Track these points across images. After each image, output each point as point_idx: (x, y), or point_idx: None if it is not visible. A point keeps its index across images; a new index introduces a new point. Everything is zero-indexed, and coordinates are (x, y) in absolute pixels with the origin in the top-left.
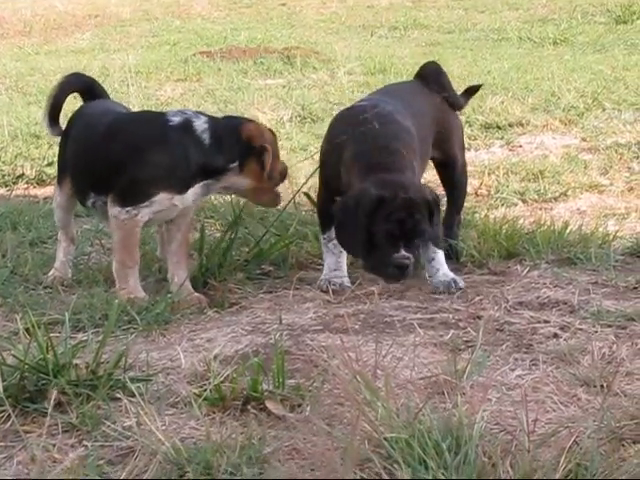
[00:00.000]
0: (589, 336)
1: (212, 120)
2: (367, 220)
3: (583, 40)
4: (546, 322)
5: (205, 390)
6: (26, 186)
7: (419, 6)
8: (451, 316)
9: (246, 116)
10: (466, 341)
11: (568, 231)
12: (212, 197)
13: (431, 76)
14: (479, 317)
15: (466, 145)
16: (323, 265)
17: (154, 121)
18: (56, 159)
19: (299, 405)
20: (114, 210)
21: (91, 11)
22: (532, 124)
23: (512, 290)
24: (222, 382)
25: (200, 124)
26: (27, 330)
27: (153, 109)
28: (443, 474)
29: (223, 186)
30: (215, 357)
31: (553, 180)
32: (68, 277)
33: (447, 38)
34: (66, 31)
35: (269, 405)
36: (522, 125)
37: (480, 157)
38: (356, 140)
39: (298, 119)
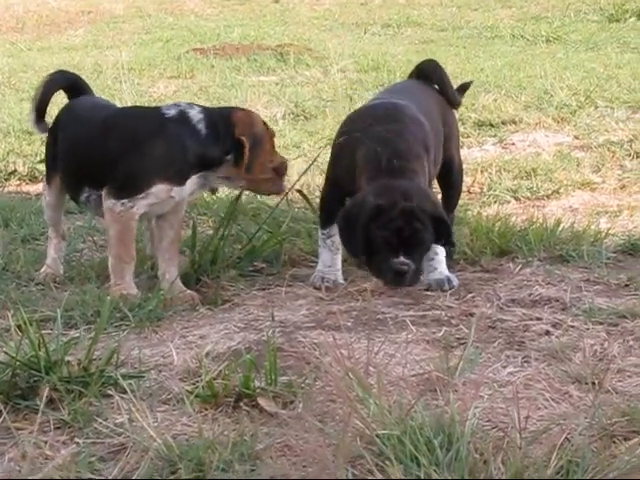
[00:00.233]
0: (581, 333)
1: (206, 110)
2: (365, 228)
3: (576, 38)
4: (538, 319)
5: (197, 387)
6: (18, 182)
7: (412, 4)
8: (443, 313)
9: None
10: (458, 338)
11: (560, 229)
12: (204, 194)
13: (432, 74)
14: (471, 314)
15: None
16: (317, 261)
17: (150, 114)
18: None
19: (291, 402)
20: (109, 202)
21: (84, 7)
22: (525, 122)
23: (504, 287)
24: (214, 379)
25: (195, 114)
26: (19, 327)
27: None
28: (435, 471)
29: (220, 176)
30: (207, 354)
31: (545, 178)
32: (60, 274)
33: (440, 36)
34: (59, 27)
35: (261, 402)
36: (515, 123)
37: (473, 155)
38: (369, 141)
39: (291, 116)
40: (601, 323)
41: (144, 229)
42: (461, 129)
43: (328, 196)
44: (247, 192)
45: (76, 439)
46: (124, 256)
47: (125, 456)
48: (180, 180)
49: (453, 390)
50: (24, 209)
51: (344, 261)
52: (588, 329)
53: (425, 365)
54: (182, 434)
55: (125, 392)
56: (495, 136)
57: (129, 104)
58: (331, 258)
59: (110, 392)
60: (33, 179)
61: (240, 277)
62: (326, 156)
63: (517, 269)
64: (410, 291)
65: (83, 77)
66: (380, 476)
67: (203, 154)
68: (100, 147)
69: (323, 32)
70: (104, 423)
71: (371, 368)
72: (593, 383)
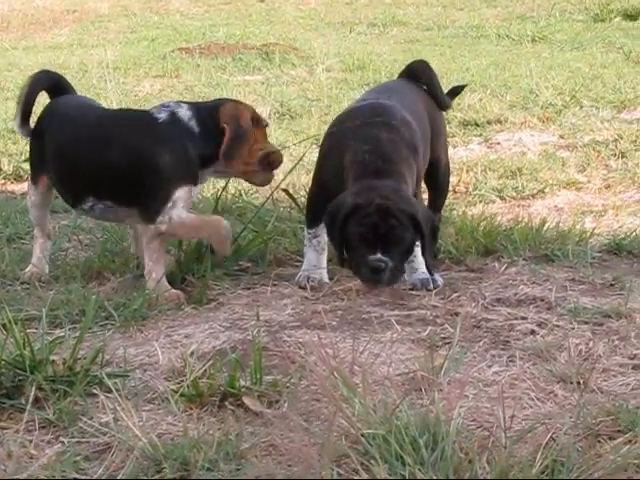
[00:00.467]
0: (566, 333)
1: (194, 106)
2: (343, 226)
3: (561, 38)
4: (523, 319)
5: (182, 386)
6: (3, 182)
7: (398, 3)
8: (428, 313)
9: None
10: (443, 338)
11: (545, 228)
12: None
13: (422, 75)
14: (456, 314)
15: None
16: (303, 260)
17: (146, 122)
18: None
19: (276, 401)
20: (152, 230)
21: (69, 6)
22: (510, 121)
23: (489, 287)
24: (199, 378)
25: (184, 112)
26: (4, 326)
27: (131, 105)
28: (420, 470)
29: (216, 170)
30: (192, 353)
31: (531, 177)
32: (45, 273)
33: (426, 35)
34: (44, 26)
35: (246, 401)
36: (500, 122)
37: (458, 154)
38: (356, 142)
39: (277, 115)
40: (586, 322)
41: (129, 228)
42: (447, 128)
43: (315, 196)
44: (232, 192)
45: (61, 438)
46: (208, 229)
47: (110, 455)
48: (194, 180)
49: (438, 389)
50: (9, 208)
51: (329, 261)
52: (573, 328)
53: (410, 364)
54: (167, 433)
55: (110, 391)
56: (480, 135)
57: (114, 103)
58: (317, 258)
59: (95, 391)
60: (18, 178)
61: (225, 276)
62: (312, 155)
63: (502, 268)
64: (395, 291)
65: (68, 76)
66: (365, 475)
67: (201, 152)
68: (103, 160)
69: (309, 31)
70: (89, 422)
71: (356, 367)
72: (578, 382)
